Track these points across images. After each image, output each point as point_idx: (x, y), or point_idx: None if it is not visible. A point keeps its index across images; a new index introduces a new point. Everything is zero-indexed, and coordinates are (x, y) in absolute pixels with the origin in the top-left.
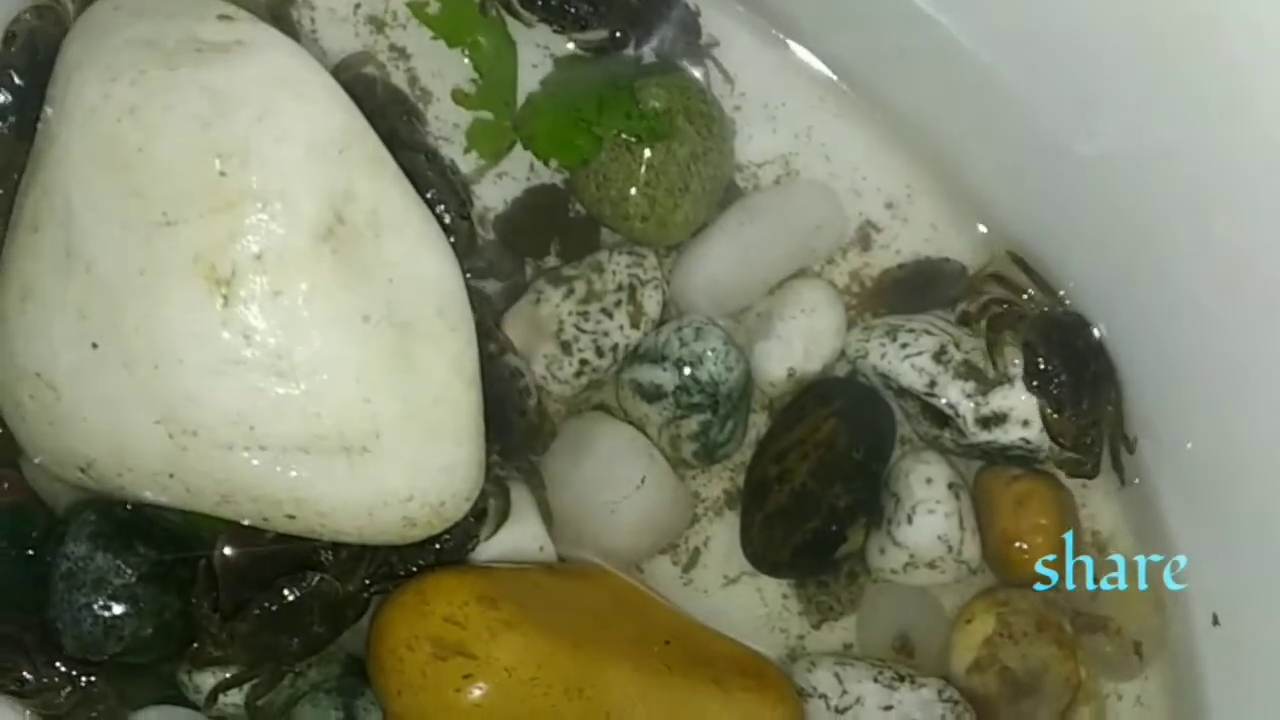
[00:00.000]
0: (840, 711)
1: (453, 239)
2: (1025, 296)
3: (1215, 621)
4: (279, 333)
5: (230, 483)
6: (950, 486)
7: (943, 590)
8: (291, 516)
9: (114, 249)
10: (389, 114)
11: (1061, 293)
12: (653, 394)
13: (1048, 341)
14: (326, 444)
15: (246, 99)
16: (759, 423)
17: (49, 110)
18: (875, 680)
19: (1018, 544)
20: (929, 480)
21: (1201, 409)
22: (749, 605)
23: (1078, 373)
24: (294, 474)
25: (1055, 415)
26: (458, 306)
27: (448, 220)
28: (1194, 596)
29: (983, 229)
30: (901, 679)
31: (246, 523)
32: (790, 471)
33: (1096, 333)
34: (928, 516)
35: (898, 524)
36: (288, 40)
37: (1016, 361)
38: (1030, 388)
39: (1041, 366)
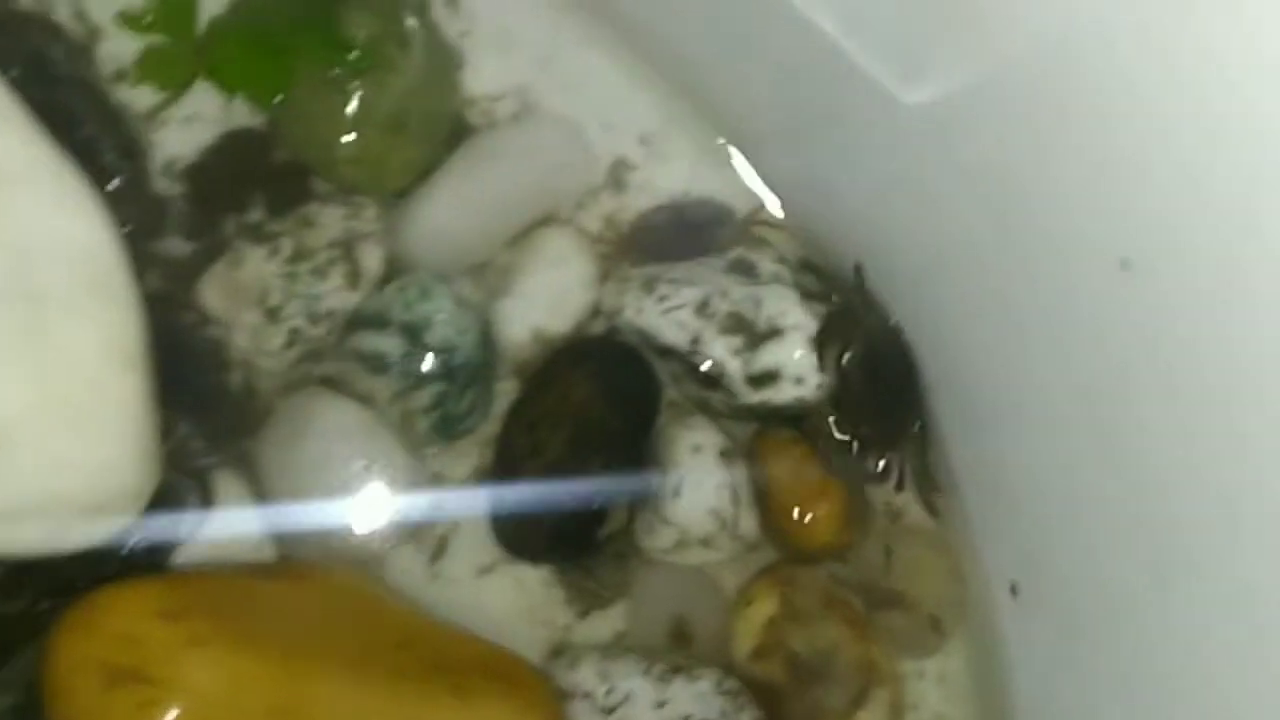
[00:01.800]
0: (608, 712)
1: (115, 190)
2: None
3: (1014, 591)
4: None
5: None
6: (721, 454)
7: (720, 569)
8: None
9: None
10: (29, 39)
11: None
12: (378, 364)
13: (867, 356)
14: None
15: None
16: (509, 391)
17: None
18: (645, 674)
19: (798, 513)
20: (696, 449)
21: (986, 367)
22: (508, 597)
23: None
24: None
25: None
26: (111, 275)
27: (109, 169)
28: (991, 565)
29: (750, 166)
30: (675, 671)
31: None
32: (542, 444)
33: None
34: (697, 489)
35: (665, 498)
36: None
37: (786, 313)
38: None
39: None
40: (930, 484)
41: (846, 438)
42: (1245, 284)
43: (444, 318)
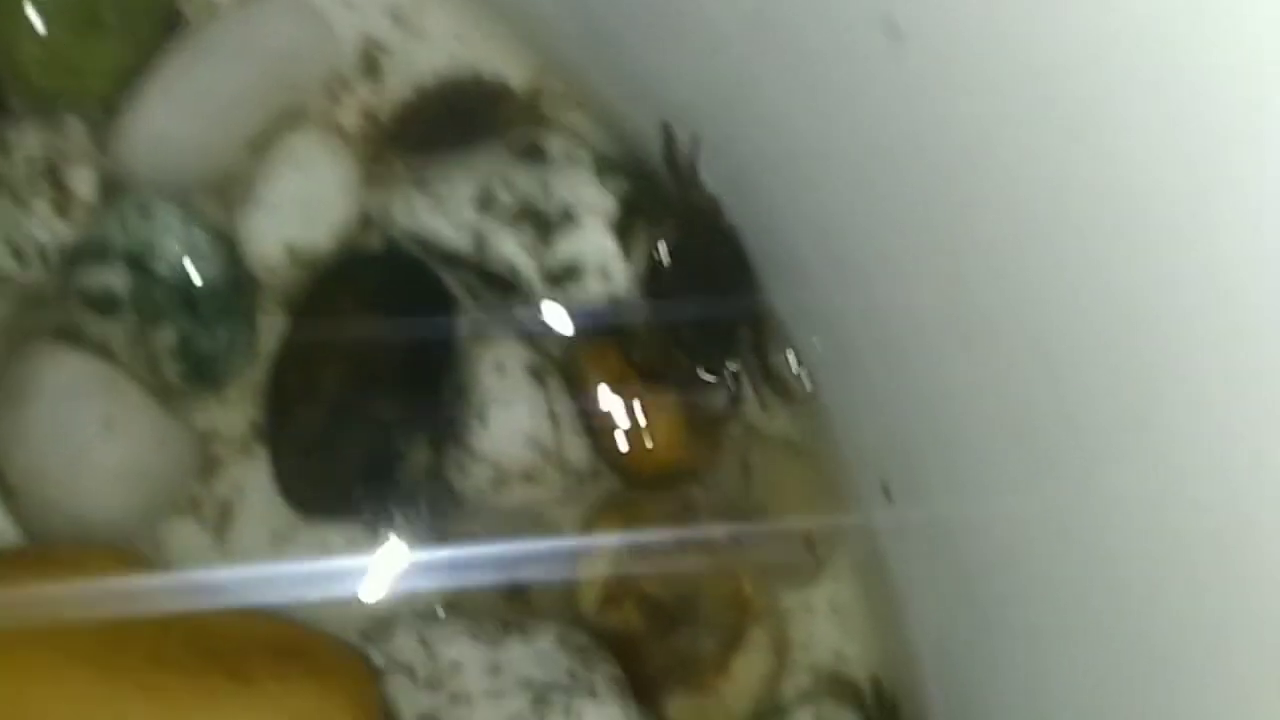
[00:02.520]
0: (432, 685)
1: None
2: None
3: (887, 494)
4: None
5: None
6: (530, 372)
7: (555, 510)
8: None
9: None
10: None
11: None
12: (106, 303)
13: (683, 241)
14: None
15: None
16: (278, 326)
17: None
18: (473, 638)
19: (630, 434)
20: (500, 367)
21: (814, 228)
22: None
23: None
24: None
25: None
26: None
27: None
28: (861, 467)
29: (523, 34)
30: (508, 631)
31: None
32: (317, 383)
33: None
34: (505, 413)
35: (471, 430)
36: None
37: (581, 195)
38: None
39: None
40: (778, 384)
41: (669, 341)
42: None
43: (171, 239)
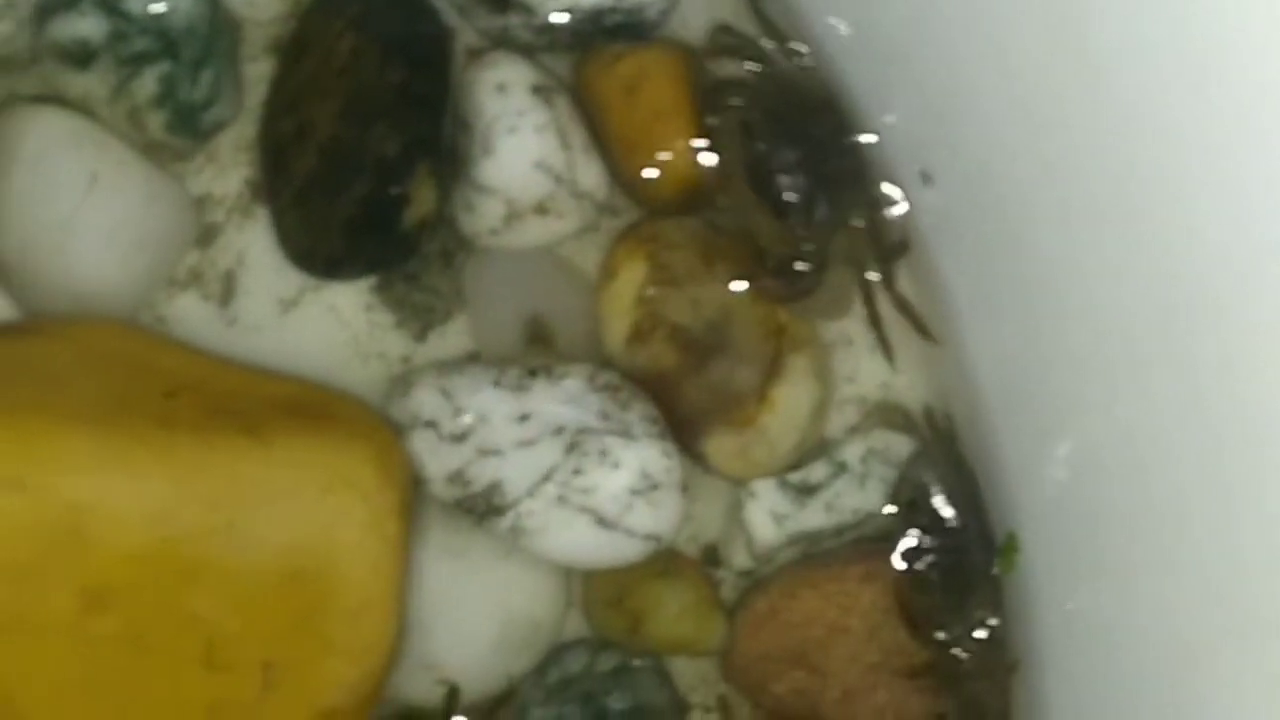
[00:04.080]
0: (458, 438)
1: None
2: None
3: (926, 179)
4: None
5: None
6: (535, 90)
7: (572, 246)
8: None
9: None
10: None
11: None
12: (81, 54)
13: (773, 119)
14: None
15: None
16: (266, 74)
17: None
18: (497, 385)
19: (645, 148)
20: (501, 88)
21: None
22: (325, 332)
23: (812, 167)
24: None
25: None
26: None
27: None
28: (900, 159)
29: None
30: (533, 375)
31: None
32: (312, 122)
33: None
34: (511, 137)
35: (476, 161)
36: None
37: None
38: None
39: (759, 151)
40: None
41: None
42: None
43: None
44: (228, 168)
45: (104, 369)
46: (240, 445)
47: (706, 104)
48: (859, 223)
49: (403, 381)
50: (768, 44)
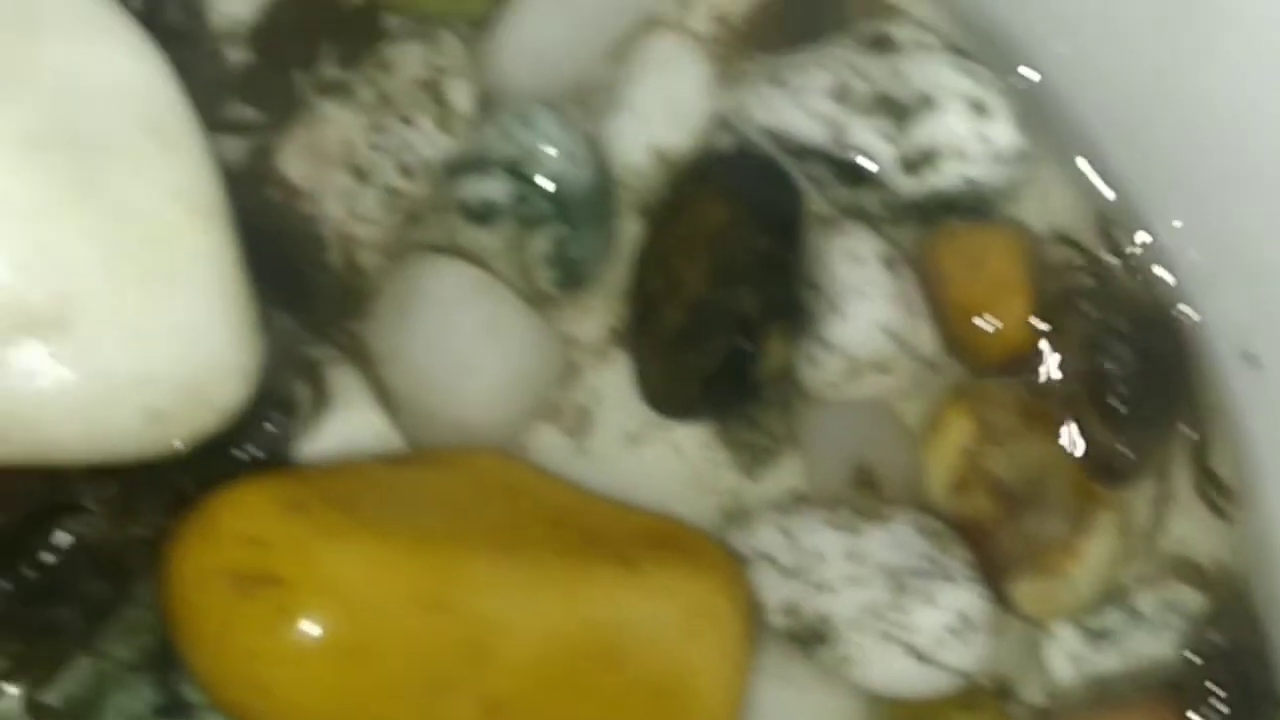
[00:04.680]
0: (794, 573)
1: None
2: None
3: (1251, 361)
4: None
5: None
6: (885, 261)
7: (901, 400)
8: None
9: None
10: None
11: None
12: (484, 213)
13: (1114, 335)
14: (3, 321)
15: None
16: (632, 230)
17: None
18: (832, 526)
19: (981, 317)
20: (855, 257)
21: None
22: (666, 466)
23: (1148, 381)
24: None
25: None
26: (172, 119)
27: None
28: (1217, 326)
29: None
30: (865, 518)
31: None
32: (680, 280)
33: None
34: (862, 304)
35: (826, 321)
36: None
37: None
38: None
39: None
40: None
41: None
42: None
43: (551, 147)
44: (592, 314)
45: (495, 497)
46: (617, 573)
47: (1049, 311)
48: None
49: (744, 517)
50: (1107, 254)
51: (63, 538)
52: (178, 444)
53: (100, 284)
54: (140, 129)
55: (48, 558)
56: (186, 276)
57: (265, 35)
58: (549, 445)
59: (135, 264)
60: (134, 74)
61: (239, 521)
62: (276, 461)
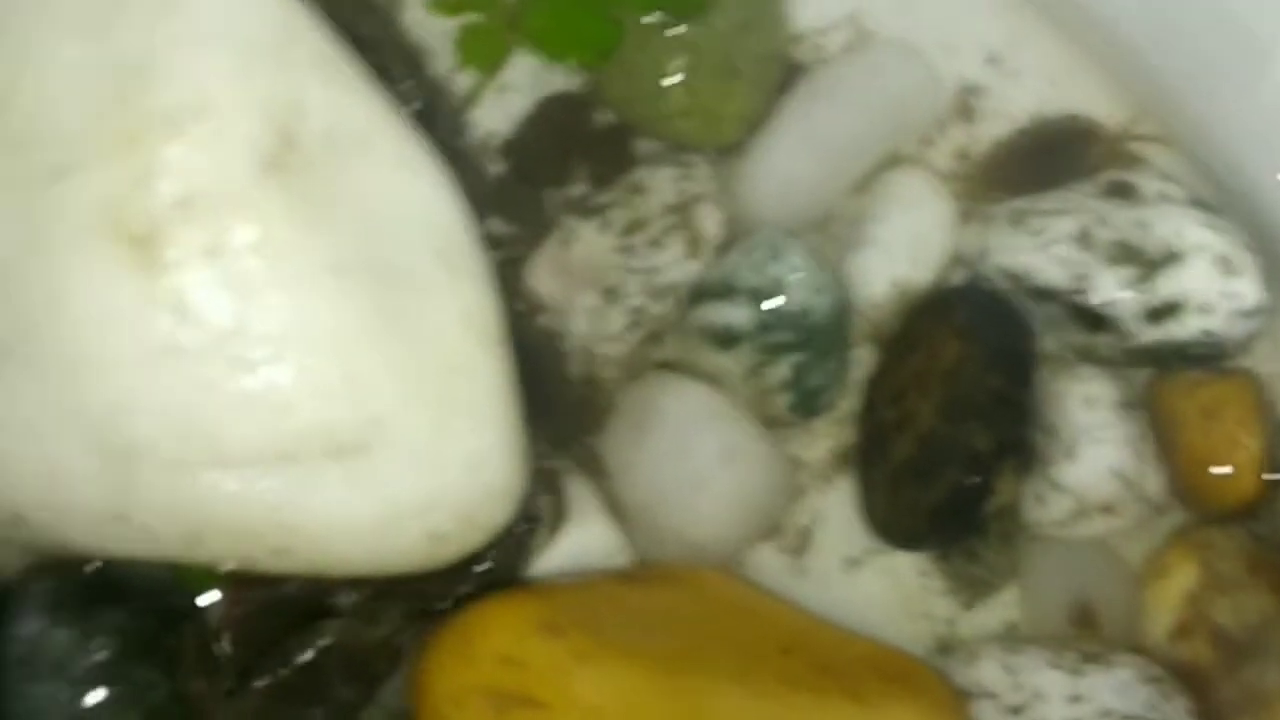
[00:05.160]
0: (1015, 711)
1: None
2: None
3: None
4: (225, 302)
5: (195, 516)
6: (1118, 405)
7: (1123, 540)
8: (281, 551)
9: None
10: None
11: None
12: (726, 338)
13: None
14: (310, 445)
15: None
16: (863, 359)
17: None
18: (1055, 667)
19: (1213, 466)
20: (1090, 401)
21: None
22: (880, 591)
23: None
24: (273, 493)
25: None
26: (461, 245)
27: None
28: None
29: (1119, 74)
30: (1089, 660)
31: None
32: (912, 413)
33: None
34: (1095, 448)
35: (1057, 462)
36: None
37: (1183, 234)
38: None
39: None
40: None
41: None
42: None
43: (799, 278)
44: (818, 438)
45: (726, 619)
46: (847, 709)
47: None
48: None
49: (958, 648)
50: None
51: (317, 641)
52: (448, 559)
53: (399, 412)
54: (433, 256)
55: (304, 660)
56: (474, 404)
57: (519, 151)
58: (767, 563)
59: (430, 393)
60: (429, 200)
61: (496, 641)
62: (514, 573)
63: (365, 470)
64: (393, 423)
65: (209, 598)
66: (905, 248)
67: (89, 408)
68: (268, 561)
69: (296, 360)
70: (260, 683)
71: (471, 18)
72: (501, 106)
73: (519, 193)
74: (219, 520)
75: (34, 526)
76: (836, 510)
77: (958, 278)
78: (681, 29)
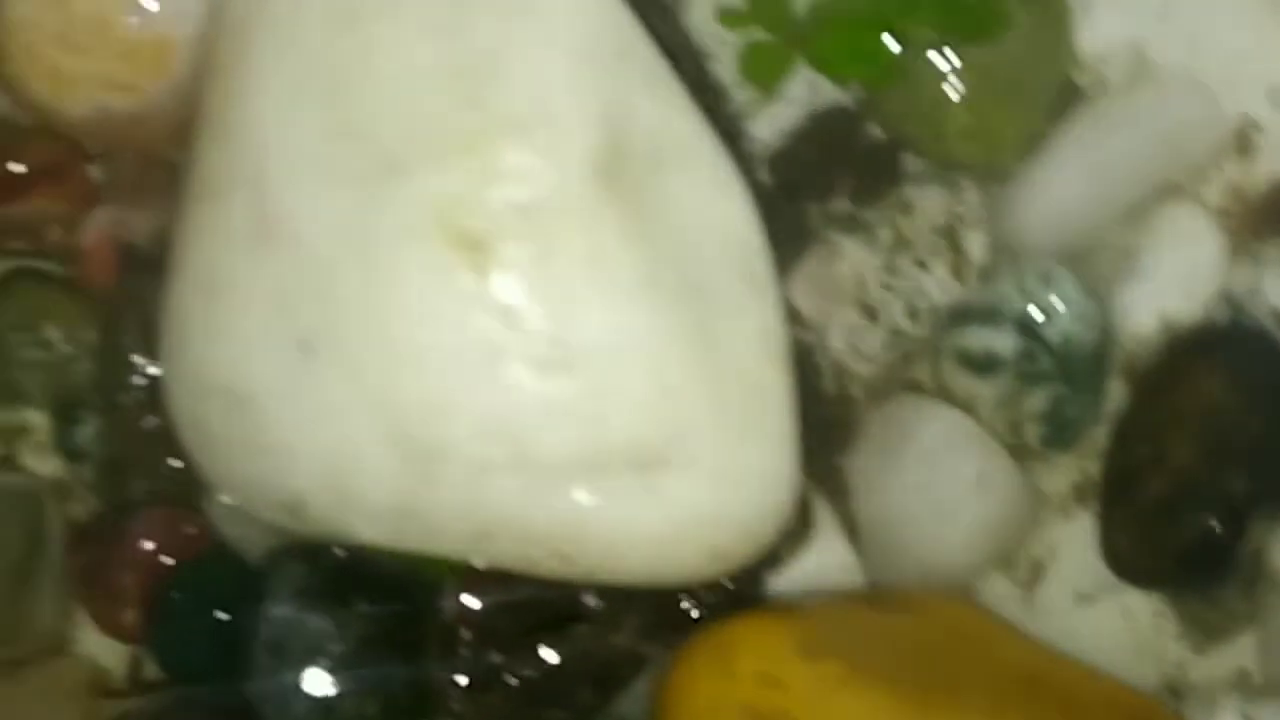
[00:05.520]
0: None
1: None
2: None
3: None
4: (550, 310)
5: (487, 517)
6: None
7: None
8: (565, 557)
9: (324, 213)
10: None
11: None
12: (985, 364)
13: None
14: (613, 457)
15: None
16: (1115, 393)
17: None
18: None
19: None
20: None
21: None
22: (1111, 628)
23: None
24: (573, 501)
25: None
26: (761, 264)
27: None
28: None
29: None
30: None
31: (483, 565)
32: (1167, 452)
33: None
34: None
35: None
36: None
37: None
38: None
39: None
40: None
41: None
42: None
43: (1068, 309)
44: (1060, 470)
45: (970, 649)
46: None
47: None
48: None
49: (1189, 693)
50: None
51: (565, 644)
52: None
53: (701, 429)
54: (737, 273)
55: (551, 661)
56: (767, 423)
57: (786, 163)
58: (996, 592)
59: (730, 410)
60: (736, 217)
61: (756, 659)
62: (754, 585)
63: (663, 484)
64: (694, 439)
65: (450, 592)
66: (1175, 282)
67: (398, 403)
68: (547, 565)
69: (612, 372)
70: (507, 681)
71: (758, 34)
72: (772, 117)
73: (782, 205)
74: (510, 523)
75: (313, 513)
76: (1072, 544)
77: (1224, 316)
78: (973, 49)
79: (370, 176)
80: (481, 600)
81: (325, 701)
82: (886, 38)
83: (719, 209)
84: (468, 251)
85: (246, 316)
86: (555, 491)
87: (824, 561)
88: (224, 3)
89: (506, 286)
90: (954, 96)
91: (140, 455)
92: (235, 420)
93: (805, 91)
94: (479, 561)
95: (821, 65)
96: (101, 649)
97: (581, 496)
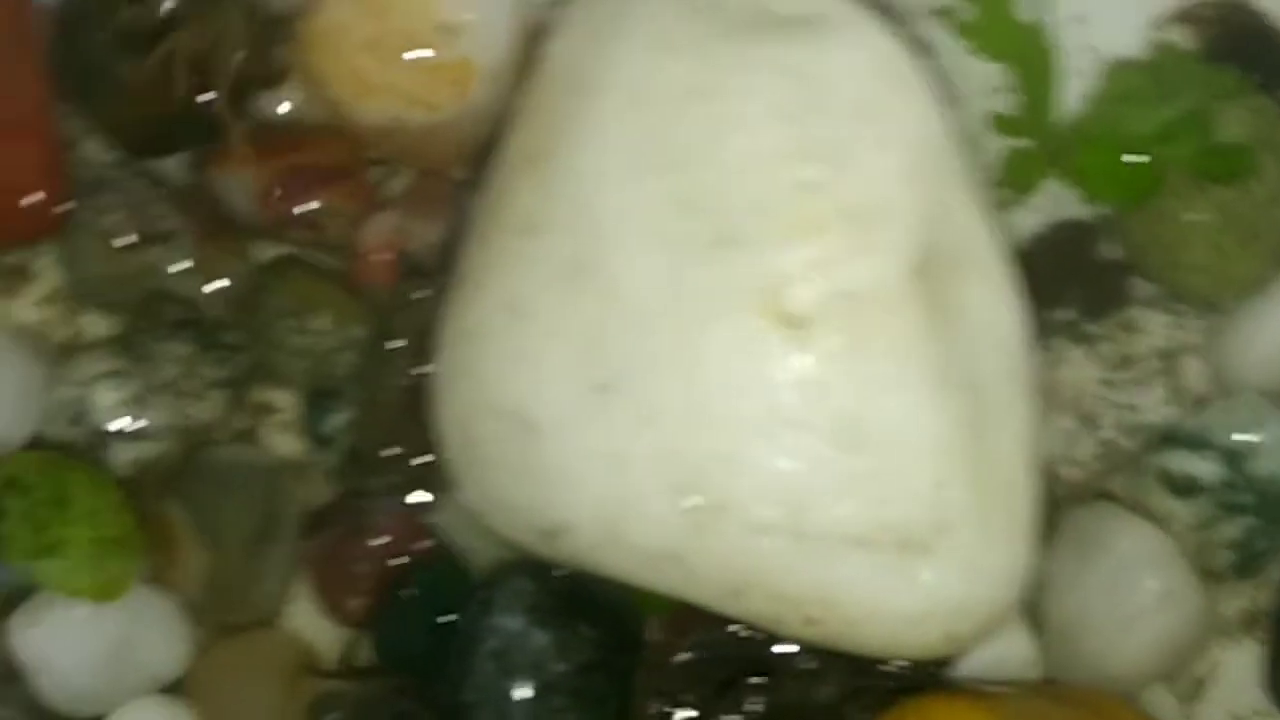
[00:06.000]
0: None
1: None
2: None
3: None
4: (852, 392)
5: (749, 574)
6: None
7: None
8: (813, 622)
9: (647, 269)
10: None
11: None
12: (1185, 488)
13: None
14: (884, 536)
15: (839, 88)
16: None
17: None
18: None
19: None
20: None
21: None
22: None
23: None
24: (837, 571)
25: None
26: (1026, 366)
27: None
28: None
29: None
30: None
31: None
32: None
33: None
34: None
35: None
36: (874, 18)
37: None
38: None
39: None
40: None
41: None
42: None
43: (1274, 447)
44: (1236, 595)
45: None
46: None
47: None
48: None
49: None
50: None
51: (773, 693)
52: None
53: (963, 521)
54: (1006, 375)
55: (758, 709)
56: (1016, 523)
57: (1020, 266)
58: (1156, 702)
59: (989, 507)
60: (1011, 321)
61: None
62: (938, 664)
63: (922, 569)
64: (956, 530)
65: (662, 626)
66: None
67: (687, 454)
68: (792, 626)
69: (900, 457)
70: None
71: (1023, 143)
72: (1015, 221)
73: None
74: (769, 582)
75: (572, 543)
76: (1235, 667)
77: None
78: (1222, 190)
79: (701, 243)
80: (687, 636)
81: (539, 716)
82: (1143, 165)
83: (998, 313)
84: (787, 328)
85: (548, 348)
86: (822, 559)
87: (1008, 651)
88: (560, 52)
89: (818, 364)
90: (1197, 231)
91: (387, 452)
92: (514, 443)
93: (1047, 200)
94: (728, 611)
95: (1079, 181)
96: (310, 628)
97: (846, 568)
